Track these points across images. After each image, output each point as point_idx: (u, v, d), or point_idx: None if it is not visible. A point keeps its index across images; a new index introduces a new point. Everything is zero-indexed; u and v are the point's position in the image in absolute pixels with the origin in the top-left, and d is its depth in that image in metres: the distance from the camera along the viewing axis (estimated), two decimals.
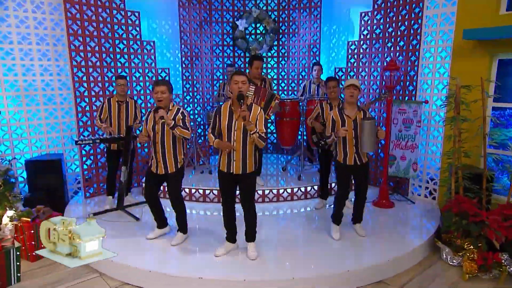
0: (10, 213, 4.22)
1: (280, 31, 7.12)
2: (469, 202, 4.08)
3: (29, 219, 4.23)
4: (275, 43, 7.15)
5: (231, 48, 7.25)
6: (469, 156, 4.51)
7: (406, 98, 5.37)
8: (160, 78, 6.21)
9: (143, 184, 4.73)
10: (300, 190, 5.56)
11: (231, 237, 3.95)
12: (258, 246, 3.96)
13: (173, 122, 3.81)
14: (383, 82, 5.34)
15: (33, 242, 4.23)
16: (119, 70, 5.80)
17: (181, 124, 3.86)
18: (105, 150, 5.54)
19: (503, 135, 4.53)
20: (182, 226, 4.20)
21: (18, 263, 3.84)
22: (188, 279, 3.52)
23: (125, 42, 5.80)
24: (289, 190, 5.50)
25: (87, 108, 5.54)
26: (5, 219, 4.19)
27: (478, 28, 4.56)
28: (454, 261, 4.07)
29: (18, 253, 3.83)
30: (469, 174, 4.44)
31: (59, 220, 2.48)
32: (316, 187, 5.58)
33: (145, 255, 3.96)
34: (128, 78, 5.53)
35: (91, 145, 5.58)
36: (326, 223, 4.56)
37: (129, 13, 5.76)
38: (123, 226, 4.64)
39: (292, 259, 3.84)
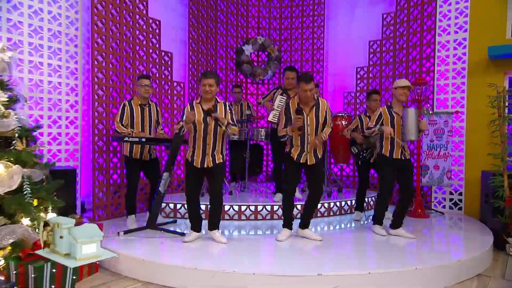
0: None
1: (282, 60, 7.25)
2: None
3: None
4: (277, 71, 7.23)
5: (234, 73, 7.13)
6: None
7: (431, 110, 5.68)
8: (175, 92, 5.78)
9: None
10: None
11: (290, 223, 4.12)
12: None
13: (226, 122, 3.76)
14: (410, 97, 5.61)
15: None
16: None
17: (230, 121, 3.83)
18: (117, 161, 4.87)
19: None
20: (218, 223, 4.03)
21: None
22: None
23: (144, 49, 5.36)
24: (299, 207, 4.95)
25: (104, 115, 4.85)
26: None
27: (506, 45, 5.15)
28: None
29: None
30: None
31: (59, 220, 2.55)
32: (326, 205, 5.25)
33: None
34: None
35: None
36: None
37: (150, 21, 5.41)
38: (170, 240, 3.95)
39: (362, 257, 3.70)
